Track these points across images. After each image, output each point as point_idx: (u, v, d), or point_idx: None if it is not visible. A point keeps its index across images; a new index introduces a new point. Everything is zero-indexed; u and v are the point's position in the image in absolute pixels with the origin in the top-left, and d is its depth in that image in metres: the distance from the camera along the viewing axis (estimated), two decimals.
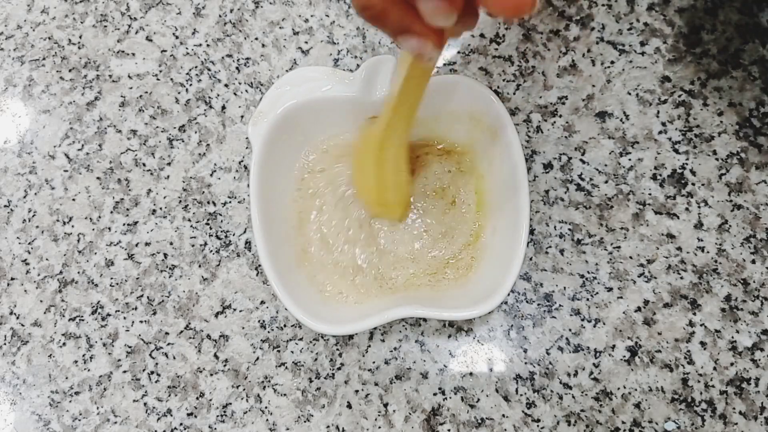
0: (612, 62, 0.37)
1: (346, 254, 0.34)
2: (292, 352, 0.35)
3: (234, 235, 0.37)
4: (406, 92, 0.29)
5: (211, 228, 0.37)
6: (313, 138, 0.35)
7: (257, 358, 0.35)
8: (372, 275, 0.34)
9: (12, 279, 0.38)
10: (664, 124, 0.36)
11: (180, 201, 0.38)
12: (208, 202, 0.38)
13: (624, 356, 0.34)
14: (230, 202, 0.38)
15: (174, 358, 0.36)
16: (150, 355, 0.36)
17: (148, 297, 0.37)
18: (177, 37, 0.41)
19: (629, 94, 0.37)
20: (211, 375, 0.35)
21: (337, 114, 0.34)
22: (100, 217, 0.38)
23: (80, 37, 0.42)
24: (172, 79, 0.40)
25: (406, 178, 0.34)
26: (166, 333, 0.36)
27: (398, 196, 0.34)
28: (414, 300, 0.32)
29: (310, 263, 0.34)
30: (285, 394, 0.35)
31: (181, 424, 0.35)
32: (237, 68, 0.40)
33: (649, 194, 0.35)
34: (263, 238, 0.31)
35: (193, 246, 0.37)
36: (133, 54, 0.41)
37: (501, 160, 0.33)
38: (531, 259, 0.35)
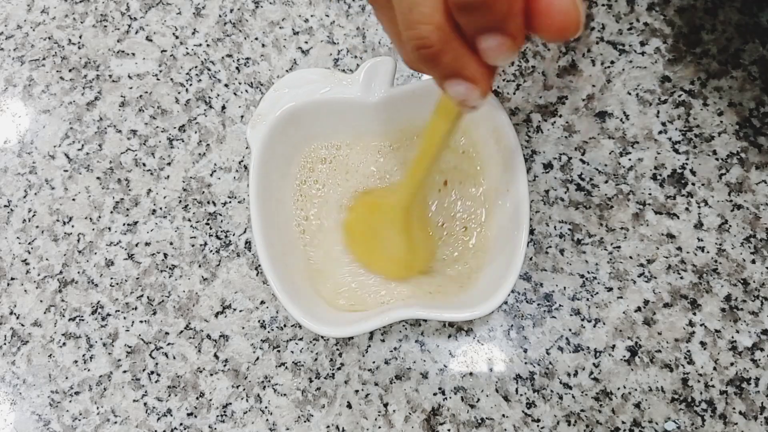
0: (612, 62, 0.37)
1: (347, 256, 0.34)
2: (292, 352, 0.35)
3: (234, 235, 0.37)
4: (441, 146, 0.27)
5: (211, 228, 0.37)
6: (313, 140, 0.35)
7: (257, 358, 0.35)
8: (372, 277, 0.34)
9: (12, 279, 0.38)
10: (664, 124, 0.36)
11: (180, 201, 0.38)
12: (208, 202, 0.38)
13: (624, 356, 0.34)
14: (230, 202, 0.38)
15: (174, 358, 0.36)
16: (150, 355, 0.36)
17: (148, 297, 0.37)
18: (177, 37, 0.41)
19: (629, 94, 0.37)
20: (211, 375, 0.35)
21: (336, 116, 0.34)
22: (100, 217, 0.38)
23: (80, 37, 0.42)
24: (172, 79, 0.40)
25: (429, 230, 0.33)
26: (166, 333, 0.36)
27: (427, 251, 0.33)
28: (414, 301, 0.32)
29: (310, 263, 0.34)
30: (285, 394, 0.35)
31: (181, 424, 0.35)
32: (237, 68, 0.40)
33: (649, 194, 0.35)
34: (263, 240, 0.31)
35: (193, 246, 0.37)
36: (133, 54, 0.41)
37: (501, 161, 0.33)
38: (531, 259, 0.35)
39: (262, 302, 0.36)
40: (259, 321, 0.36)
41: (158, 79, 0.40)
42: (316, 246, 0.35)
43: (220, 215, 0.38)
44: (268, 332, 0.36)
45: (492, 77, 0.22)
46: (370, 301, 0.33)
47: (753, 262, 0.34)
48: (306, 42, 0.40)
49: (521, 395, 0.34)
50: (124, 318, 0.37)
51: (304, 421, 0.34)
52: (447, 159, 0.36)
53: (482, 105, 0.22)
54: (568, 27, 0.19)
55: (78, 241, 0.38)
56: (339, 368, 0.35)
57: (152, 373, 0.36)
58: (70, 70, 0.41)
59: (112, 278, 0.37)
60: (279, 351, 0.35)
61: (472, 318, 0.30)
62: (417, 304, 0.31)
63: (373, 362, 0.35)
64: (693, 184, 0.35)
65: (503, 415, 0.33)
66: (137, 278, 0.37)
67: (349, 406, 0.34)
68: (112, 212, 0.38)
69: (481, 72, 0.21)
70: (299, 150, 0.35)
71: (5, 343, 0.37)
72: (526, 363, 0.34)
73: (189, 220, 0.38)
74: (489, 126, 0.34)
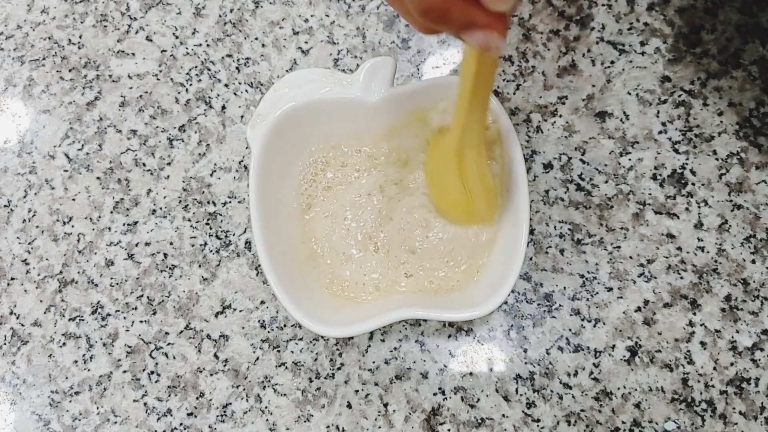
0: (612, 62, 0.37)
1: (346, 255, 0.34)
2: (292, 352, 0.35)
3: (234, 235, 0.37)
4: (477, 89, 0.28)
5: (211, 228, 0.37)
6: (312, 140, 0.35)
7: (257, 358, 0.35)
8: (372, 277, 0.34)
9: (12, 279, 0.38)
10: (664, 124, 0.36)
11: (180, 201, 0.38)
12: (208, 202, 0.38)
13: (624, 356, 0.34)
14: (230, 202, 0.38)
15: (174, 358, 0.36)
16: (150, 355, 0.36)
17: (148, 297, 0.37)
18: (177, 37, 0.41)
19: (629, 94, 0.37)
20: (211, 375, 0.35)
21: (336, 116, 0.34)
22: (100, 217, 0.38)
23: (80, 37, 0.42)
24: (172, 79, 0.40)
25: (491, 179, 0.33)
26: (166, 333, 0.36)
27: (488, 200, 0.33)
28: (414, 301, 0.32)
29: (309, 264, 0.34)
30: (285, 394, 0.35)
31: (181, 424, 0.35)
32: (237, 68, 0.40)
33: (649, 194, 0.35)
34: (263, 240, 0.31)
35: (193, 246, 0.37)
36: (133, 54, 0.41)
37: (501, 161, 0.33)
38: (531, 259, 0.35)
39: (262, 302, 0.36)
40: (259, 321, 0.36)
41: (158, 79, 0.40)
42: (317, 244, 0.35)
43: (220, 215, 0.38)
44: (268, 332, 0.36)
45: (505, 19, 0.23)
46: (372, 301, 0.33)
47: (753, 262, 0.34)
48: (306, 42, 0.40)
49: (521, 395, 0.34)
50: (124, 318, 0.37)
51: (304, 421, 0.34)
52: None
53: (504, 45, 0.24)
54: None
55: (78, 241, 0.38)
56: (339, 368, 0.35)
57: (152, 373, 0.36)
58: (70, 70, 0.41)
59: (112, 278, 0.37)
60: (279, 351, 0.35)
61: (472, 318, 0.30)
62: (417, 304, 0.31)
63: (373, 362, 0.35)
64: (693, 184, 0.35)
65: (503, 415, 0.33)
66: (137, 278, 0.37)
67: (349, 406, 0.34)
68: (112, 212, 0.38)
69: (491, 18, 0.22)
70: (299, 150, 0.35)
71: (5, 343, 0.37)
72: (526, 363, 0.34)
73: (189, 220, 0.38)
74: (488, 126, 0.34)
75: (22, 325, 0.37)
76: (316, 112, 0.34)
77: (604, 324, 0.34)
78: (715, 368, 0.33)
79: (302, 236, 0.35)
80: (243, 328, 0.36)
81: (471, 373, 0.34)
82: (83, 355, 0.36)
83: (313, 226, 0.35)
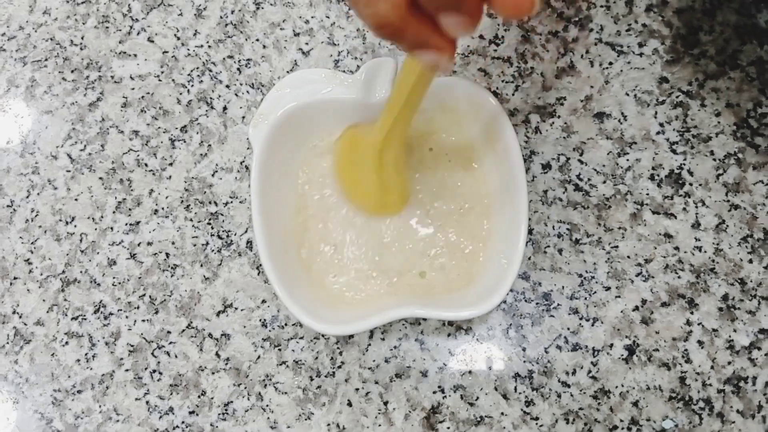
0: (610, 63, 0.38)
1: (348, 254, 0.35)
2: (293, 350, 0.36)
3: (235, 234, 0.37)
4: (411, 97, 0.29)
5: (212, 228, 0.38)
6: (314, 139, 0.35)
7: (258, 357, 0.36)
8: (373, 275, 0.34)
9: (15, 278, 0.38)
10: (662, 124, 0.36)
11: (182, 201, 0.38)
12: (210, 202, 0.38)
13: (622, 355, 0.34)
14: (232, 202, 0.38)
15: (176, 356, 0.36)
16: (152, 353, 0.36)
17: (150, 296, 0.37)
18: (178, 38, 0.41)
19: (627, 94, 0.37)
20: (213, 373, 0.36)
21: (337, 116, 0.35)
22: (102, 216, 0.39)
23: (82, 38, 0.42)
24: (173, 80, 0.40)
25: (405, 176, 0.34)
26: (168, 332, 0.36)
27: (400, 195, 0.35)
28: (414, 300, 0.32)
29: (310, 263, 0.35)
30: (286, 393, 0.35)
31: (182, 422, 0.35)
32: (238, 69, 0.40)
33: (647, 194, 0.36)
34: (264, 239, 0.32)
35: (194, 245, 0.38)
36: (135, 55, 0.41)
37: (500, 161, 0.34)
38: (529, 258, 0.35)
39: (264, 301, 0.36)
40: (260, 320, 0.36)
41: (160, 80, 0.40)
42: (317, 244, 0.35)
43: (222, 215, 0.38)
44: (270, 331, 0.36)
45: (456, 43, 0.23)
46: (373, 300, 0.34)
47: (750, 261, 0.34)
48: (306, 43, 0.40)
49: (520, 393, 0.34)
50: (127, 317, 0.37)
51: (305, 419, 0.34)
52: (449, 160, 0.36)
53: (452, 67, 0.24)
54: (522, 6, 0.19)
55: (80, 240, 0.38)
56: (339, 367, 0.35)
57: (154, 371, 0.36)
58: (72, 71, 0.41)
59: (114, 278, 0.37)
60: (280, 349, 0.36)
61: (471, 317, 0.30)
62: (416, 303, 0.31)
63: (374, 361, 0.35)
64: (690, 184, 0.36)
65: (502, 413, 0.34)
66: (139, 278, 0.37)
67: (350, 404, 0.35)
68: (114, 212, 0.39)
69: (444, 41, 0.22)
70: (301, 149, 0.35)
71: (8, 342, 0.37)
72: (524, 361, 0.34)
73: (191, 220, 0.38)
74: (488, 127, 0.34)
75: (25, 324, 0.37)
76: (317, 112, 0.34)
77: (602, 323, 0.34)
78: (712, 367, 0.33)
79: (303, 235, 0.35)
80: (244, 327, 0.36)
81: (470, 372, 0.34)
82: (85, 354, 0.36)
83: (314, 225, 0.35)
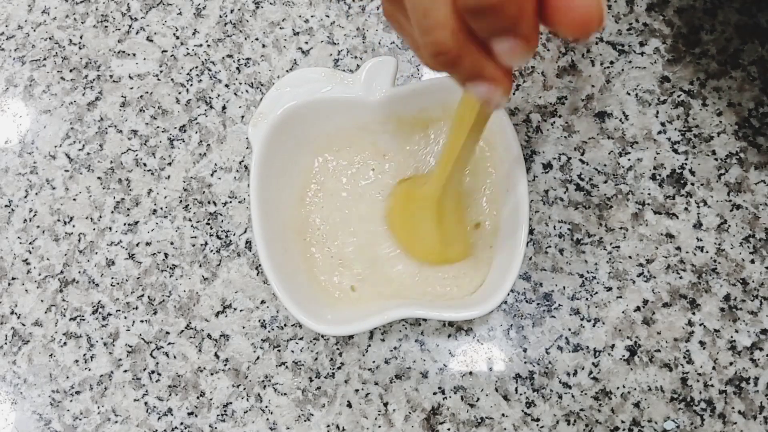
0: (611, 62, 0.37)
1: (348, 254, 0.34)
2: (293, 351, 0.35)
3: (234, 234, 0.37)
4: (468, 141, 0.27)
5: (211, 228, 0.38)
6: (314, 138, 0.35)
7: (257, 358, 0.35)
8: (374, 275, 0.34)
9: (13, 279, 0.38)
10: (663, 124, 0.36)
11: (180, 201, 0.38)
12: (209, 202, 0.38)
13: (623, 356, 0.34)
14: (231, 202, 0.38)
15: (174, 357, 0.36)
16: (151, 354, 0.36)
17: (148, 297, 0.37)
18: (177, 38, 0.41)
19: (628, 94, 0.37)
20: (212, 374, 0.35)
21: (337, 115, 0.35)
22: (100, 216, 0.38)
23: (81, 37, 0.42)
24: (172, 79, 0.40)
25: (465, 224, 0.33)
26: (167, 332, 0.36)
27: (463, 245, 0.34)
28: (414, 300, 0.32)
29: (310, 263, 0.34)
30: (285, 394, 0.35)
31: (181, 423, 0.35)
32: (237, 68, 0.40)
33: (648, 194, 0.35)
34: (263, 239, 0.31)
35: (193, 246, 0.37)
36: (134, 54, 0.41)
37: (500, 161, 0.33)
38: (530, 258, 0.35)
39: (263, 302, 0.36)
40: (259, 320, 0.36)
41: (159, 80, 0.40)
42: (317, 244, 0.35)
43: (221, 215, 0.38)
44: (269, 332, 0.36)
45: (511, 76, 0.22)
46: (373, 300, 0.33)
47: (752, 261, 0.34)
48: (306, 42, 0.40)
49: (521, 394, 0.34)
50: (125, 318, 0.37)
51: (305, 421, 0.34)
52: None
53: (506, 102, 0.23)
54: (590, 21, 0.18)
55: (79, 240, 0.38)
56: (339, 368, 0.35)
57: (153, 372, 0.36)
58: (70, 71, 0.41)
59: (112, 278, 0.37)
60: (279, 350, 0.35)
61: (472, 317, 0.30)
62: (417, 303, 0.31)
63: (373, 362, 0.35)
64: (692, 184, 0.35)
65: (503, 415, 0.33)
66: (138, 278, 0.37)
67: (350, 405, 0.34)
68: (112, 212, 0.38)
69: (500, 72, 0.21)
70: (301, 148, 0.35)
71: (6, 343, 0.37)
72: (525, 362, 0.34)
73: (189, 220, 0.38)
74: (488, 126, 0.34)
75: (23, 325, 0.37)
76: (317, 110, 0.34)
77: (603, 323, 0.34)
78: (714, 368, 0.33)
79: (303, 235, 0.35)
80: (243, 327, 0.36)
81: (471, 373, 0.34)
82: (84, 355, 0.36)
83: (314, 225, 0.35)
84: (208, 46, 0.41)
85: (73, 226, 0.38)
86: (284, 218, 0.34)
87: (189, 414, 0.35)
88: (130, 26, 0.42)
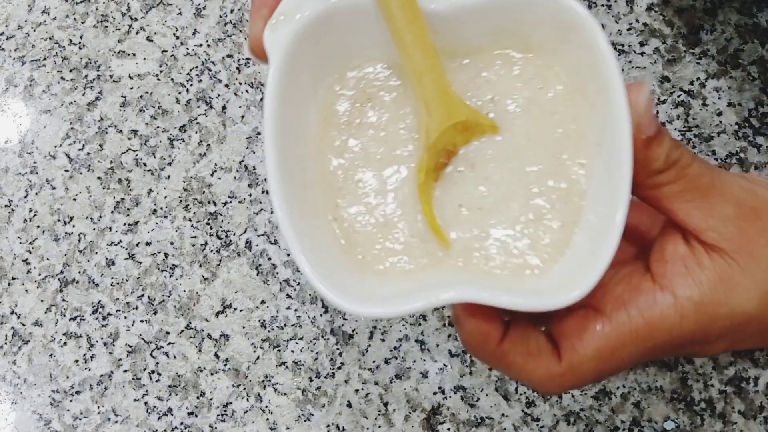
0: None
1: (386, 207, 0.24)
2: (293, 351, 0.35)
3: (234, 234, 0.37)
4: (408, 24, 0.22)
5: (211, 228, 0.38)
6: (353, 55, 0.25)
7: (257, 358, 0.35)
8: (418, 236, 0.24)
9: (13, 279, 0.38)
10: (663, 123, 0.36)
11: (180, 201, 0.38)
12: (209, 202, 0.38)
13: None
14: (231, 202, 0.38)
15: (174, 357, 0.36)
16: (151, 354, 0.36)
17: (148, 296, 0.37)
18: (177, 38, 0.41)
19: None
20: (212, 374, 0.35)
21: (386, 27, 0.24)
22: (100, 216, 0.38)
23: (81, 37, 0.42)
24: (172, 79, 0.40)
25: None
26: (167, 332, 0.36)
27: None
28: (472, 279, 0.22)
29: (337, 217, 0.24)
30: (285, 394, 0.35)
31: (181, 423, 0.35)
32: (237, 68, 0.40)
33: None
34: (279, 180, 0.22)
35: (193, 246, 0.37)
36: (134, 54, 0.41)
37: (592, 108, 0.23)
38: None
39: (263, 302, 0.36)
40: (259, 320, 0.36)
41: (159, 80, 0.40)
42: (344, 196, 0.25)
43: (221, 215, 0.38)
44: (269, 332, 0.36)
45: None
46: (416, 271, 0.24)
47: None
48: None
49: (521, 394, 0.34)
50: (125, 317, 0.37)
51: (305, 420, 0.34)
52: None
53: None
54: None
55: (79, 240, 0.38)
56: (339, 367, 0.35)
57: (153, 372, 0.36)
58: (70, 71, 0.41)
59: (112, 278, 0.37)
60: (279, 350, 0.35)
61: (554, 308, 0.20)
62: (475, 284, 0.21)
63: (374, 361, 0.35)
64: None
65: (503, 414, 0.34)
66: (138, 278, 0.37)
67: (350, 405, 0.34)
68: (112, 212, 0.38)
69: None
70: (334, 66, 0.25)
71: (6, 343, 0.37)
72: None
73: (189, 219, 0.38)
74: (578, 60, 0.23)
75: (23, 325, 0.37)
76: (359, 17, 0.24)
77: None
78: (714, 368, 0.33)
79: (328, 182, 0.25)
80: (243, 327, 0.36)
81: (471, 373, 0.34)
82: (84, 355, 0.36)
83: (342, 169, 0.25)
84: (208, 46, 0.41)
85: (73, 226, 0.38)
86: (306, 158, 0.25)
87: (189, 414, 0.35)
88: (130, 26, 0.42)
